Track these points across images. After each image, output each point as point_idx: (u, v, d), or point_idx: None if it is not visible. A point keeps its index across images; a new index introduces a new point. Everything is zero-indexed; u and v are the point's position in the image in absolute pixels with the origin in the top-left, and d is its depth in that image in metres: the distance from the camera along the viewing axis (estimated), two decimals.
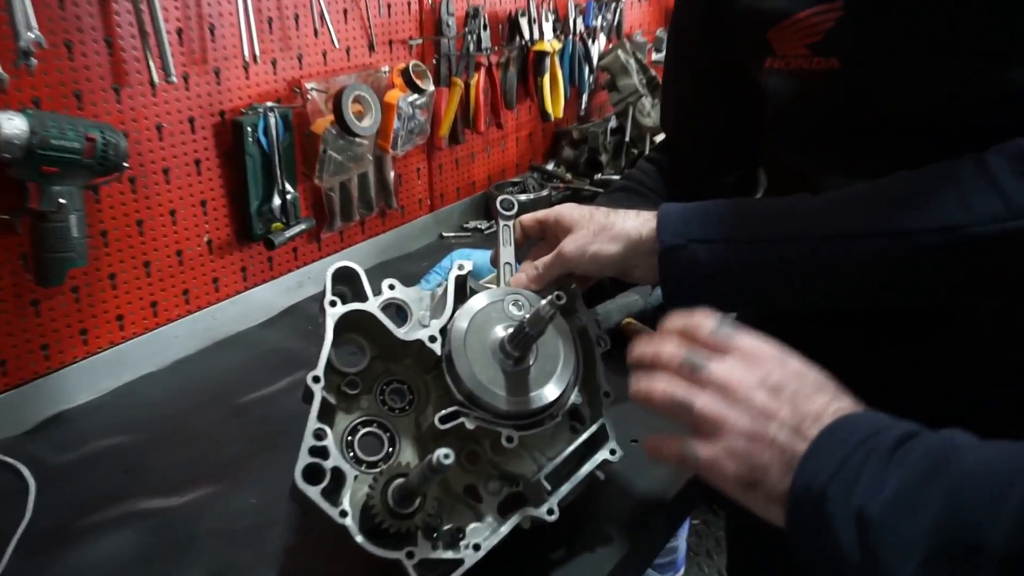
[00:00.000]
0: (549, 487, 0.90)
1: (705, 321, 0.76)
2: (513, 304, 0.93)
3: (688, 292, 0.91)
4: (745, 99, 1.10)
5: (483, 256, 1.12)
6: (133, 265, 1.34)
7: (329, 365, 0.90)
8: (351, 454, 0.89)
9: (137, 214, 1.32)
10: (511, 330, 0.89)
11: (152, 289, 1.37)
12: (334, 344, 0.90)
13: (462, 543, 0.86)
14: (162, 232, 1.37)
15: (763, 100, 1.04)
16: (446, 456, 0.73)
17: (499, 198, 1.02)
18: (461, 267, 0.96)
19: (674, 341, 0.76)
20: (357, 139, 1.58)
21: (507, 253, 1.00)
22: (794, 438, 0.66)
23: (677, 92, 1.22)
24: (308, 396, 0.87)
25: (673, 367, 0.75)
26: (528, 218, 1.02)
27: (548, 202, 1.93)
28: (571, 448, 0.93)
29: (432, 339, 0.90)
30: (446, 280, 0.97)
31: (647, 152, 1.35)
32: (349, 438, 0.90)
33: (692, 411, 0.71)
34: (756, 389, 0.70)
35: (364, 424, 0.91)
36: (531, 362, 0.90)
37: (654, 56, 2.60)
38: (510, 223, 1.01)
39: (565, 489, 0.91)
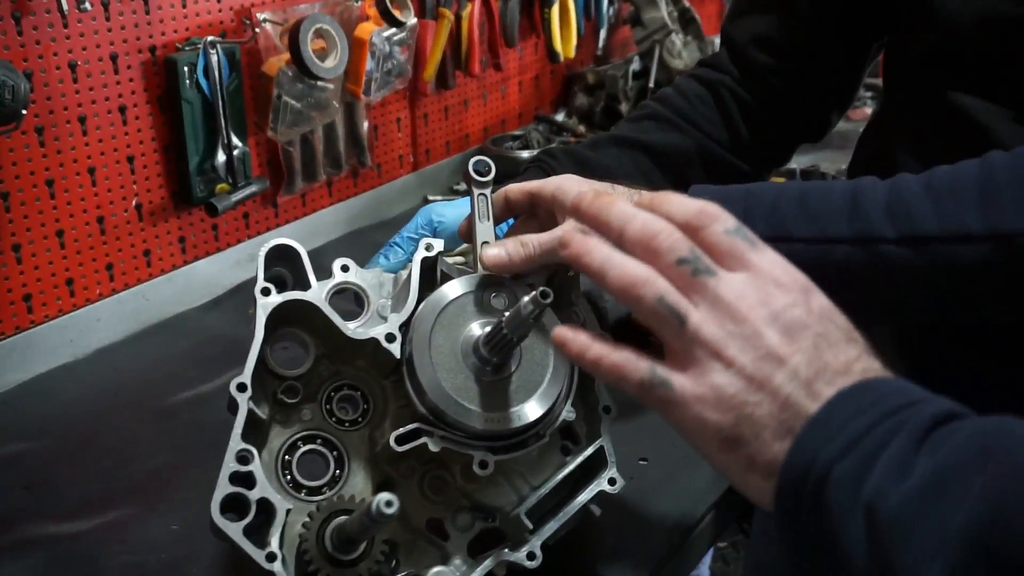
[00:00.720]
0: (531, 524, 0.87)
1: (722, 217, 0.67)
2: (491, 294, 0.90)
3: None
4: (881, 15, 1.08)
5: (462, 210, 1.07)
6: (43, 235, 1.33)
7: (263, 367, 0.88)
8: (288, 477, 0.87)
9: (47, 172, 1.31)
10: (488, 329, 0.85)
11: (68, 263, 1.36)
12: (270, 341, 0.88)
13: None
14: (79, 194, 1.35)
15: (925, 17, 1.00)
16: (388, 503, 0.69)
17: (472, 160, 0.97)
18: (429, 247, 0.92)
19: (673, 230, 0.66)
20: (320, 82, 1.56)
21: (484, 229, 0.95)
22: (804, 394, 0.61)
23: None
24: (234, 407, 0.85)
25: (667, 261, 0.64)
26: (516, 188, 0.97)
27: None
28: (561, 475, 0.91)
29: (390, 338, 0.87)
30: (411, 258, 0.94)
31: None
32: (287, 457, 0.88)
33: (683, 326, 0.63)
34: (769, 322, 0.63)
35: (305, 440, 0.90)
36: (512, 369, 0.87)
37: None
38: (487, 191, 0.97)
39: (552, 527, 0.89)
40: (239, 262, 1.59)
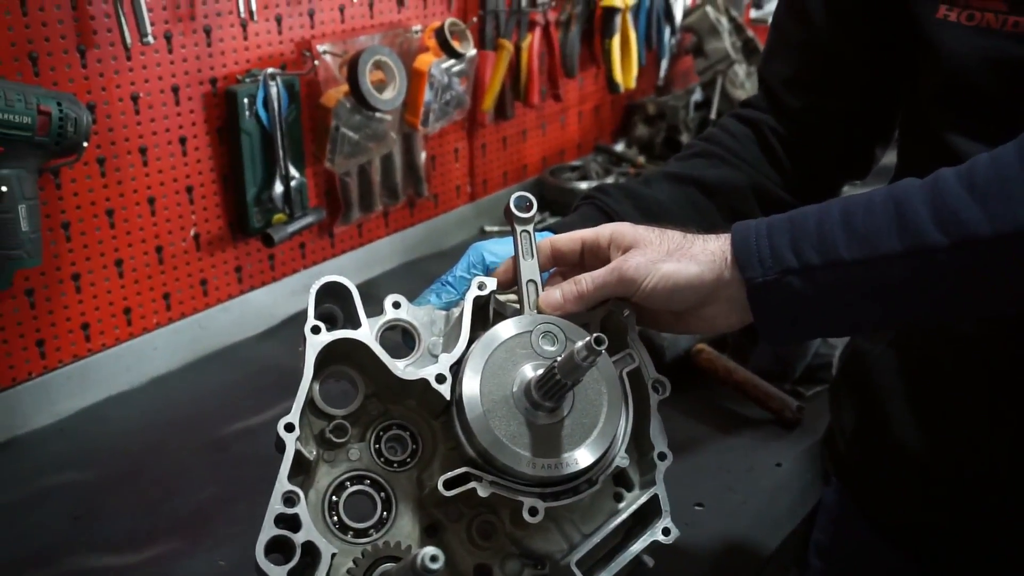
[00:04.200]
0: (581, 574, 0.86)
1: None
2: (543, 336, 0.89)
3: (791, 331, 0.91)
4: (899, 52, 1.10)
5: (503, 247, 1.08)
6: (102, 264, 1.35)
7: (311, 405, 0.88)
8: (334, 519, 0.86)
9: (107, 203, 1.33)
10: (540, 372, 0.85)
11: (126, 292, 1.39)
12: (319, 379, 0.88)
13: None
14: (138, 224, 1.38)
15: (931, 58, 1.03)
16: (433, 559, 0.68)
17: (513, 196, 0.96)
18: (482, 285, 0.92)
19: None
20: (378, 114, 1.58)
21: (528, 267, 0.94)
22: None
23: (815, 40, 1.19)
24: (281, 446, 0.85)
25: None
26: (567, 238, 0.98)
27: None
28: (613, 524, 0.90)
29: (440, 379, 0.86)
30: (463, 296, 0.93)
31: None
32: (333, 498, 0.88)
33: None
34: None
35: (353, 480, 0.89)
36: (565, 413, 0.86)
37: (752, 13, 2.59)
38: (529, 227, 0.96)
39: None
40: (294, 292, 1.61)
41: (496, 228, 1.93)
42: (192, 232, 1.44)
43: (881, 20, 1.10)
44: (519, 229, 0.95)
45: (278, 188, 1.48)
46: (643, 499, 0.91)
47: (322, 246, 1.64)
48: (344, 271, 1.59)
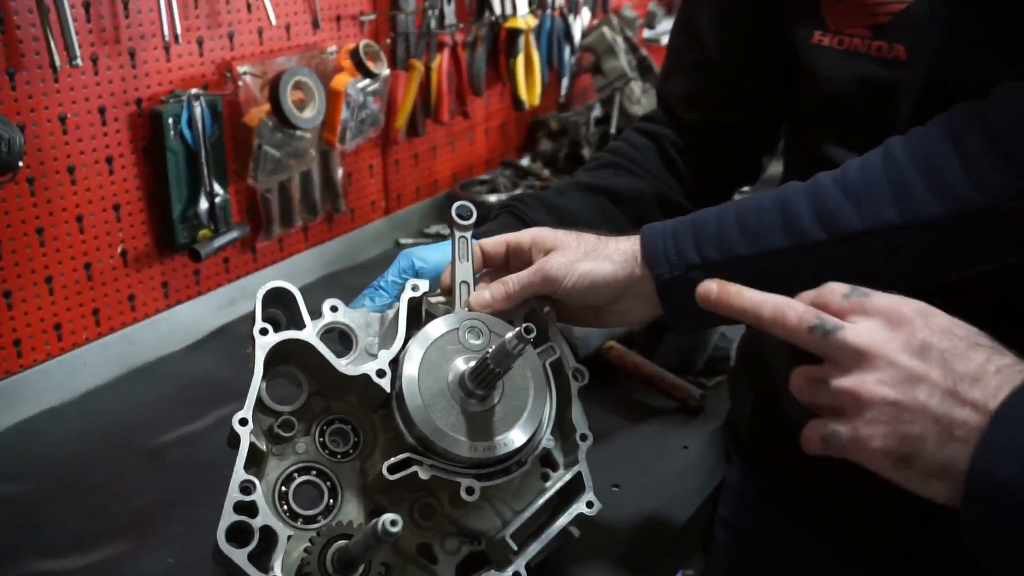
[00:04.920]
0: (515, 546, 0.91)
1: (836, 286, 0.77)
2: (469, 331, 0.94)
3: (696, 321, 0.94)
4: (782, 73, 1.14)
5: (441, 254, 1.10)
6: (33, 281, 1.35)
7: (259, 403, 0.91)
8: (285, 508, 0.90)
9: (37, 221, 1.33)
10: (473, 364, 0.90)
11: (56, 309, 1.38)
12: (266, 378, 0.91)
13: None
14: (67, 242, 1.38)
15: (808, 78, 1.08)
16: (392, 523, 0.73)
17: (455, 204, 1.02)
18: (415, 287, 0.96)
19: (799, 305, 0.77)
20: (298, 132, 1.60)
21: (464, 269, 1.00)
22: (949, 403, 0.68)
23: (708, 60, 1.22)
24: (234, 441, 0.87)
25: (802, 334, 0.75)
26: (493, 241, 1.03)
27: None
28: (542, 500, 0.95)
29: (381, 373, 0.91)
30: (396, 299, 0.98)
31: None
32: (283, 488, 0.91)
33: (828, 385, 0.73)
34: (899, 352, 0.71)
35: (301, 472, 0.92)
36: (496, 401, 0.91)
37: (646, 33, 2.63)
38: (467, 234, 1.01)
39: (534, 548, 0.92)
40: (220, 306, 1.61)
41: (411, 240, 1.96)
42: (120, 249, 1.44)
43: (766, 45, 1.15)
44: (458, 235, 1.00)
45: (203, 205, 1.49)
46: (568, 477, 0.97)
47: (245, 260, 1.65)
48: (262, 284, 1.66)
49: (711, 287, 0.80)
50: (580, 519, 0.96)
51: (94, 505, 1.17)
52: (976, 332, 0.72)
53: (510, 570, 0.90)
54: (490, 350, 0.87)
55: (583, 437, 0.98)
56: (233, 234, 1.55)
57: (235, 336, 1.58)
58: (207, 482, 1.14)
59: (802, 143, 1.16)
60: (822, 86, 1.06)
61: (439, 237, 1.96)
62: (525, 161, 2.25)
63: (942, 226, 0.88)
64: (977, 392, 0.68)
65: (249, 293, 1.64)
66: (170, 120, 1.43)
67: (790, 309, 0.76)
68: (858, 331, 0.72)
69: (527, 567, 0.91)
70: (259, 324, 0.92)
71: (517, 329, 0.83)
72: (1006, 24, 0.94)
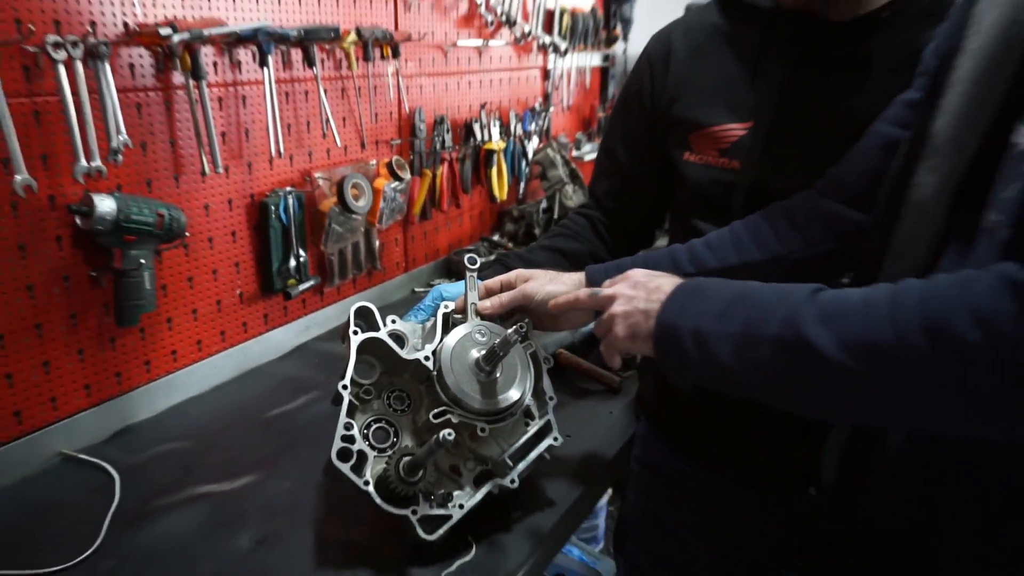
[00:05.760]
0: (511, 464, 0.99)
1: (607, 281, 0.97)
2: (479, 333, 1.02)
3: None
4: (669, 176, 1.18)
5: (458, 287, 1.14)
6: (184, 311, 1.40)
7: (352, 378, 0.98)
8: (367, 443, 0.97)
9: (188, 272, 1.39)
10: (484, 351, 0.98)
11: (198, 330, 1.43)
12: (356, 361, 0.99)
13: (450, 504, 0.96)
14: (206, 286, 1.43)
15: (682, 180, 1.13)
16: (449, 434, 0.83)
17: (466, 255, 1.09)
18: (447, 306, 1.06)
19: (586, 291, 0.98)
20: (354, 215, 1.65)
21: (473, 296, 1.07)
22: (649, 303, 0.85)
23: (621, 169, 1.25)
24: (338, 400, 0.96)
25: (586, 298, 0.97)
26: (491, 280, 1.09)
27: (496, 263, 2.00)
28: (527, 436, 1.03)
29: (427, 359, 1.00)
30: (432, 315, 1.06)
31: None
32: (365, 431, 0.98)
33: (602, 317, 0.92)
34: (624, 290, 0.89)
35: (375, 421, 1.00)
36: (498, 374, 0.99)
37: (574, 153, 2.67)
38: (475, 274, 1.08)
39: (522, 466, 1.01)
40: (299, 330, 1.64)
41: (421, 289, 1.98)
42: (238, 291, 1.49)
43: (656, 160, 1.18)
44: (468, 274, 1.06)
45: (292, 263, 1.55)
46: (541, 423, 1.03)
47: (316, 300, 1.69)
48: (329, 317, 1.72)
49: (556, 300, 1.01)
50: (549, 448, 1.03)
51: (232, 454, 1.22)
52: (661, 273, 0.91)
53: (508, 478, 0.97)
54: (496, 342, 0.95)
55: (550, 399, 1.06)
56: (310, 283, 1.60)
57: (310, 350, 1.61)
58: (303, 441, 1.23)
59: (680, 220, 1.19)
60: (691, 185, 1.10)
61: (464, 276, 1.94)
62: (496, 237, 2.27)
63: (762, 265, 0.97)
64: (660, 295, 0.84)
65: (319, 322, 1.68)
66: (272, 207, 1.48)
67: (581, 292, 0.97)
68: (608, 288, 0.92)
69: (519, 476, 0.98)
70: (352, 327, 0.99)
71: (516, 326, 0.92)
72: (801, 148, 1.01)
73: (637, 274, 0.91)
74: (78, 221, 1.16)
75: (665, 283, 0.86)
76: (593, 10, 2.67)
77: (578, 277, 1.06)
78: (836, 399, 0.68)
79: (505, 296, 1.06)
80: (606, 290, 0.92)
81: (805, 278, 0.79)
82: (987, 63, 0.69)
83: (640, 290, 0.87)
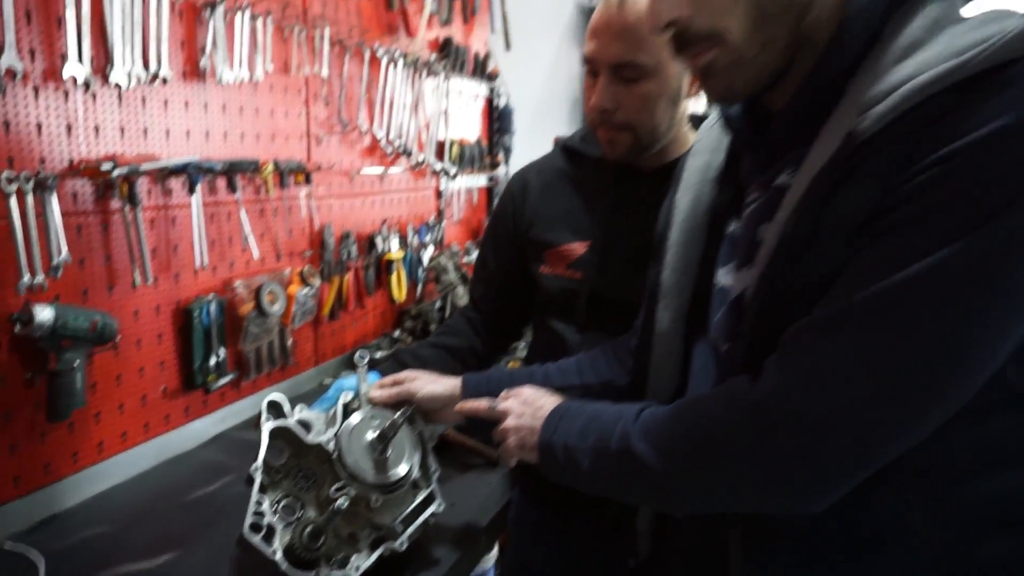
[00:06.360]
0: (401, 529, 1.03)
1: (502, 395, 1.04)
2: (372, 419, 1.08)
3: (480, 423, 1.04)
4: (531, 283, 1.26)
5: (355, 381, 1.16)
6: (112, 406, 1.37)
7: (263, 460, 1.02)
8: (276, 516, 1.00)
9: (118, 371, 1.37)
10: (376, 433, 1.05)
11: (123, 423, 1.40)
12: (267, 446, 1.03)
13: (349, 567, 0.99)
14: (133, 383, 1.41)
15: (539, 288, 1.22)
16: (344, 501, 0.89)
17: (356, 352, 1.14)
18: (347, 397, 1.12)
19: (484, 402, 1.04)
20: (269, 318, 1.69)
21: (364, 387, 1.12)
22: (535, 420, 0.93)
23: (492, 278, 1.32)
24: (250, 481, 1.00)
25: (484, 411, 1.03)
26: (387, 378, 1.13)
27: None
28: (414, 504, 1.05)
29: (328, 442, 1.05)
30: (335, 405, 1.11)
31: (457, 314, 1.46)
32: (275, 506, 1.01)
33: (499, 429, 0.99)
34: (515, 406, 0.97)
35: (285, 497, 1.03)
36: (389, 452, 1.05)
37: (464, 259, 2.68)
38: (365, 367, 1.13)
39: (411, 530, 1.03)
40: (216, 421, 1.63)
41: (330, 380, 1.96)
42: (162, 387, 1.48)
43: (519, 270, 1.27)
44: (360, 369, 1.12)
45: (212, 360, 1.55)
46: (427, 492, 1.08)
47: (233, 393, 1.68)
48: (246, 408, 1.69)
49: (461, 405, 1.06)
50: (434, 514, 1.06)
51: (152, 535, 1.20)
52: (546, 392, 0.98)
53: (399, 541, 1.01)
54: (386, 425, 1.01)
55: (434, 472, 1.11)
56: (229, 377, 1.60)
57: (227, 439, 1.60)
58: (222, 517, 1.22)
59: (539, 319, 1.28)
60: (545, 292, 1.21)
61: (357, 371, 1.96)
62: (396, 333, 2.28)
63: (595, 388, 1.07)
64: (543, 413, 0.91)
65: (236, 413, 1.66)
66: (196, 312, 1.48)
67: (479, 404, 1.02)
68: (503, 404, 0.99)
69: (407, 540, 1.01)
70: (264, 416, 1.04)
71: (402, 411, 0.99)
72: (626, 262, 1.13)
73: (526, 392, 1.00)
74: (16, 329, 1.17)
75: (547, 403, 0.94)
76: (478, 140, 2.85)
77: (455, 382, 1.11)
78: (661, 496, 0.80)
79: (393, 391, 1.11)
80: (502, 404, 1.00)
81: (628, 397, 0.90)
82: (688, 233, 0.88)
83: (528, 407, 0.96)
